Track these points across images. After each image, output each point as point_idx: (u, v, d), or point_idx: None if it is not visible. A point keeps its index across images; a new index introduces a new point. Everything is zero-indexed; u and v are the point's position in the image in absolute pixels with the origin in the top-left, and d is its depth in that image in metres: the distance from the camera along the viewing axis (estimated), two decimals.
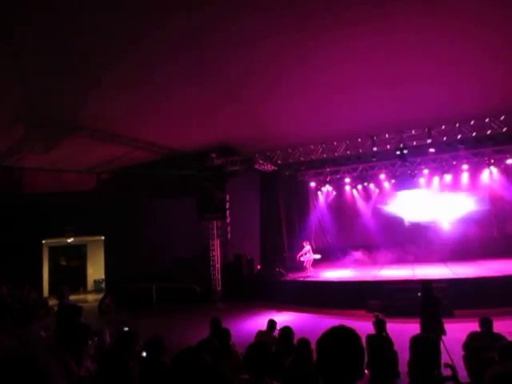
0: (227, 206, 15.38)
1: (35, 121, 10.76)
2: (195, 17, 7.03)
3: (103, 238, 19.11)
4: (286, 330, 5.27)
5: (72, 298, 17.57)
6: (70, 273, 19.85)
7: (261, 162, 15.20)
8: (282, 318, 9.87)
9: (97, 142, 12.65)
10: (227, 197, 15.38)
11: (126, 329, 4.32)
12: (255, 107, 11.54)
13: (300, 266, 16.87)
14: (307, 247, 15.20)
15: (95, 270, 20.39)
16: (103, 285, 19.28)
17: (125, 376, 2.48)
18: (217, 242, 15.60)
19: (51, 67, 8.20)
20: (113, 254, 17.70)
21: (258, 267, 16.59)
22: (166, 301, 14.61)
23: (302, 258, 15.37)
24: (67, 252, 20.52)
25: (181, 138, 13.94)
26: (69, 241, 19.37)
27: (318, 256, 15.59)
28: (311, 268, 15.23)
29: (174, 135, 13.69)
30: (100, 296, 15.74)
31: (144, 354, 3.68)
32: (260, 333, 6.38)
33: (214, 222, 15.63)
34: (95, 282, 20.29)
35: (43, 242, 18.32)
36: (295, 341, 3.99)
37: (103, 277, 19.43)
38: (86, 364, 3.54)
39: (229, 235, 16.49)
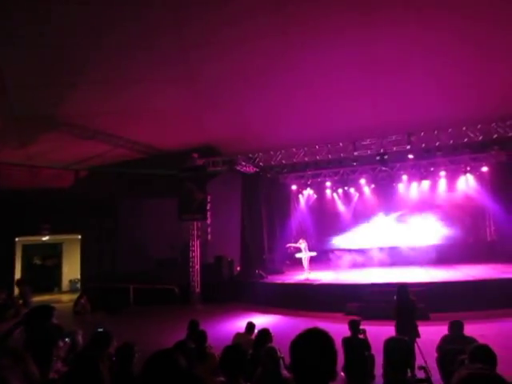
0: (208, 207, 15.28)
1: (11, 114, 10.46)
2: (181, 17, 6.97)
3: (80, 236, 18.71)
4: (264, 333, 5.25)
5: (46, 298, 17.19)
6: (45, 272, 19.37)
7: (243, 163, 15.18)
8: (261, 321, 9.84)
9: (76, 138, 12.39)
10: (208, 197, 15.28)
11: (101, 330, 4.21)
12: (239, 109, 11.52)
13: (280, 269, 16.93)
14: (303, 244, 14.81)
15: (71, 270, 19.94)
16: (79, 285, 18.86)
17: (94, 379, 2.40)
18: (197, 243, 15.47)
19: (28, 60, 7.99)
20: (89, 253, 17.35)
21: (238, 269, 16.55)
22: (143, 302, 14.40)
23: (297, 255, 15.15)
24: (42, 250, 20.00)
25: (163, 137, 13.79)
26: (44, 239, 18.88)
27: (314, 253, 15.25)
28: (308, 267, 14.81)
29: (156, 134, 13.53)
30: (75, 296, 15.38)
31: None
32: (238, 335, 6.34)
33: (195, 223, 15.50)
34: (71, 281, 19.84)
35: (16, 239, 17.78)
36: (264, 349, 3.97)
37: (79, 276, 19.01)
38: (56, 366, 3.43)
39: (209, 236, 16.40)
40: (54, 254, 20.42)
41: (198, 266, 15.32)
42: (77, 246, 19.12)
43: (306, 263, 14.76)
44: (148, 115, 11.64)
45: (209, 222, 15.81)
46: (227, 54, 8.44)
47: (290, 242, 19.29)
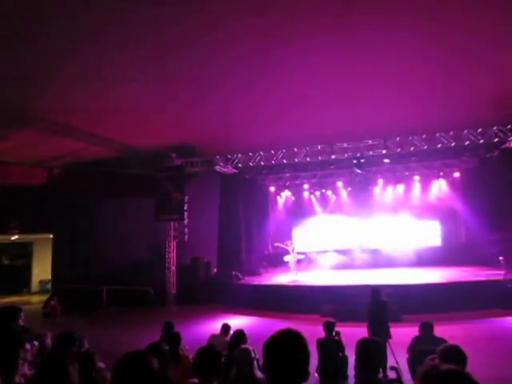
0: (185, 208, 15.14)
1: None
2: (160, 16, 6.88)
3: (52, 236, 18.17)
4: (239, 334, 5.23)
5: (14, 299, 16.61)
6: (13, 272, 18.72)
7: (221, 164, 15.13)
8: (237, 322, 9.80)
9: (50, 134, 12.04)
10: (186, 198, 15.14)
11: (69, 331, 4.09)
12: (218, 109, 11.48)
13: (256, 270, 16.94)
14: (290, 247, 14.83)
15: (41, 270, 19.36)
16: (49, 286, 18.32)
17: (62, 382, 2.33)
18: (173, 244, 15.29)
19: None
20: (62, 253, 16.89)
21: (215, 270, 16.45)
22: (117, 303, 14.11)
23: (285, 258, 15.13)
24: (10, 250, 19.33)
25: (140, 136, 13.58)
26: (13, 238, 18.25)
27: (301, 256, 15.27)
28: (296, 269, 14.79)
29: (134, 133, 13.31)
30: (45, 298, 14.94)
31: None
32: (213, 336, 6.29)
33: (172, 223, 15.32)
34: (41, 282, 19.27)
35: None
36: (239, 350, 3.95)
37: (50, 277, 18.47)
38: (23, 370, 3.31)
39: (186, 237, 16.24)
40: (24, 253, 19.78)
41: (174, 267, 15.15)
42: (48, 246, 18.58)
43: (292, 265, 14.78)
44: (125, 113, 11.44)
45: (186, 222, 15.66)
46: (206, 54, 8.39)
47: (268, 244, 19.40)
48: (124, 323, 11.67)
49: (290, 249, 14.80)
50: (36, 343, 4.90)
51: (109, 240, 16.16)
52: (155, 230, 15.61)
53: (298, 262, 15.08)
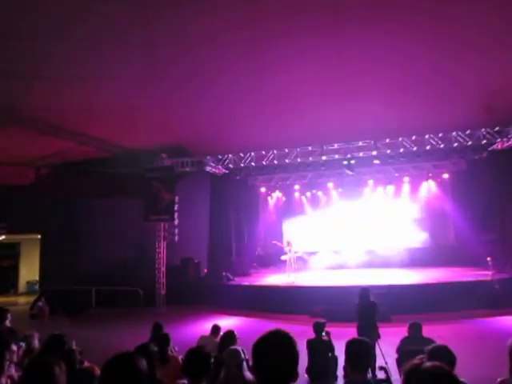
0: (176, 208, 15.06)
1: None
2: (151, 16, 6.84)
3: (40, 236, 17.94)
4: (229, 335, 5.22)
5: (1, 300, 16.35)
6: (0, 273, 18.43)
7: (212, 164, 15.08)
8: (227, 323, 9.78)
9: (38, 134, 11.87)
10: (176, 198, 15.06)
11: (57, 332, 4.04)
12: (209, 110, 11.44)
13: (247, 271, 16.93)
14: (287, 248, 14.74)
15: (29, 271, 19.10)
16: (37, 286, 18.07)
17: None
18: (163, 245, 15.19)
19: None
20: (50, 253, 16.67)
21: (205, 271, 16.39)
22: (106, 304, 13.98)
23: (282, 257, 15.11)
24: None
25: (130, 135, 13.49)
26: (0, 238, 17.98)
27: (299, 253, 15.23)
28: (295, 269, 14.62)
29: (123, 133, 13.21)
30: (33, 298, 14.74)
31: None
32: (202, 337, 6.27)
33: (162, 224, 15.22)
34: (28, 283, 19.00)
35: None
36: (228, 351, 3.95)
37: (37, 278, 18.22)
38: (9, 372, 3.26)
39: (176, 238, 16.14)
40: (11, 254, 19.50)
41: (163, 268, 15.05)
42: (36, 247, 18.33)
43: (291, 266, 14.68)
44: (115, 113, 11.35)
45: (176, 223, 15.57)
46: (197, 54, 8.35)
47: (258, 245, 19.39)
48: (113, 324, 11.56)
49: (287, 249, 14.79)
50: (23, 345, 4.84)
51: (98, 240, 16.00)
52: (145, 230, 15.51)
53: (296, 261, 15.01)
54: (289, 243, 14.98)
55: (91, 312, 13.73)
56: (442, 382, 1.57)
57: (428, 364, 1.64)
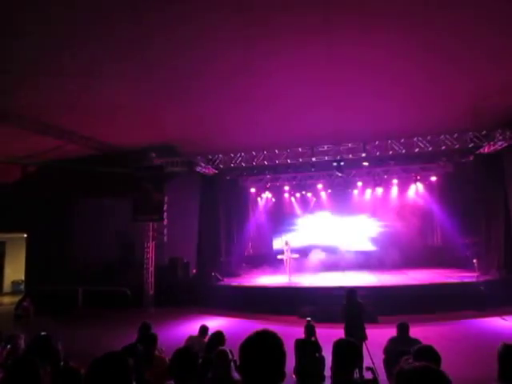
0: (165, 208, 14.97)
1: None
2: (141, 13, 6.78)
3: (26, 235, 17.66)
4: (217, 336, 5.20)
5: None
6: None
7: (202, 164, 15.03)
8: (216, 324, 9.75)
9: (24, 132, 11.68)
10: (165, 198, 14.97)
11: (43, 333, 3.98)
12: (200, 110, 11.39)
13: (236, 271, 16.90)
14: (286, 247, 14.77)
15: (14, 270, 18.78)
16: (22, 286, 17.78)
17: None
18: (152, 245, 15.08)
19: None
20: (36, 253, 16.39)
21: (194, 271, 16.32)
22: (93, 305, 13.81)
23: (279, 256, 15.17)
24: None
25: (119, 134, 13.35)
26: None
27: (296, 255, 15.22)
28: (291, 271, 14.72)
29: (112, 131, 13.08)
30: (18, 298, 14.51)
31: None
32: (190, 338, 6.24)
33: (151, 224, 15.11)
34: (13, 283, 18.70)
35: None
36: (216, 351, 3.93)
37: (23, 278, 17.92)
38: None
39: (165, 238, 16.05)
40: None
41: (152, 268, 14.94)
42: (22, 246, 18.03)
43: (287, 266, 14.75)
44: (104, 111, 11.23)
45: (165, 223, 15.48)
46: (188, 53, 8.32)
47: (248, 245, 19.40)
48: (100, 325, 11.43)
49: (285, 248, 14.79)
50: (8, 346, 4.76)
51: (85, 240, 15.79)
52: (133, 230, 15.37)
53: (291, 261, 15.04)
54: (287, 243, 15.02)
55: (78, 312, 13.55)
56: (432, 380, 1.59)
57: (418, 363, 1.67)
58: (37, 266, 16.04)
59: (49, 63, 8.49)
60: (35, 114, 11.11)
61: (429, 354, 3.25)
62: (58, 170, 15.19)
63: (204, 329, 6.37)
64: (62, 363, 3.47)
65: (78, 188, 15.55)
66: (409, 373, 1.61)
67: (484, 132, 12.43)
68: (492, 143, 12.53)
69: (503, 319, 10.15)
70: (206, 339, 5.88)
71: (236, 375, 3.59)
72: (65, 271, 15.09)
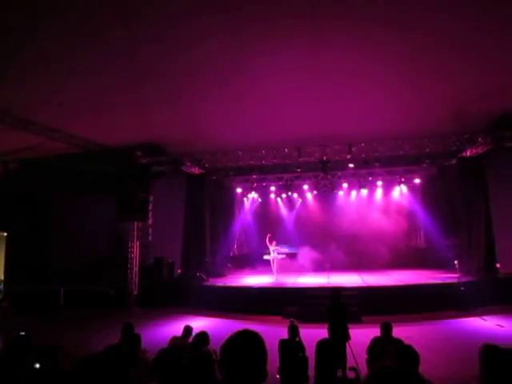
0: (150, 207, 14.83)
1: None
2: (128, 11, 6.70)
3: (6, 234, 17.26)
4: (201, 336, 5.17)
5: None
6: None
7: (188, 164, 14.94)
8: (201, 324, 9.71)
9: (5, 128, 11.43)
10: (151, 198, 14.83)
11: (22, 333, 3.89)
12: (187, 109, 11.32)
13: (221, 272, 16.86)
14: (272, 247, 14.77)
15: None
16: (1, 286, 17.36)
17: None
18: (136, 244, 14.92)
19: None
20: (17, 252, 16.04)
21: (179, 271, 16.21)
22: (76, 305, 13.57)
23: (265, 257, 15.18)
24: None
25: (104, 132, 13.15)
26: None
27: (282, 256, 15.28)
28: (277, 271, 14.84)
29: (97, 129, 12.87)
30: None
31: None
32: (174, 339, 6.18)
33: (135, 223, 14.95)
34: None
35: None
36: (200, 352, 3.92)
37: (2, 277, 17.51)
38: None
39: (150, 237, 15.92)
40: None
41: (136, 268, 14.79)
42: (2, 245, 17.62)
43: (274, 265, 14.82)
44: (88, 108, 11.05)
45: (150, 222, 15.33)
46: (175, 53, 8.25)
47: (234, 245, 19.38)
48: (82, 325, 11.25)
49: (271, 248, 14.83)
50: None
51: (70, 239, 15.53)
52: (118, 229, 15.20)
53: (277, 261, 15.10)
54: (272, 242, 15.00)
55: (59, 313, 13.31)
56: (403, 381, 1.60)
57: (387, 366, 1.66)
58: (17, 265, 15.69)
59: (33, 60, 8.32)
60: (16, 111, 10.87)
61: (408, 353, 3.33)
62: (40, 168, 14.92)
63: (188, 329, 6.33)
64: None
65: (62, 186, 15.30)
66: (373, 376, 1.61)
67: (466, 136, 12.67)
68: (474, 147, 12.79)
69: (483, 319, 10.38)
70: (190, 340, 5.85)
71: (220, 376, 3.58)
72: (46, 271, 14.82)
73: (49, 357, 3.15)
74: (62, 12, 6.68)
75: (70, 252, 15.15)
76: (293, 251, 18.23)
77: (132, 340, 4.70)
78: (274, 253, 14.76)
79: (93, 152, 14.49)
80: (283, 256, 15.41)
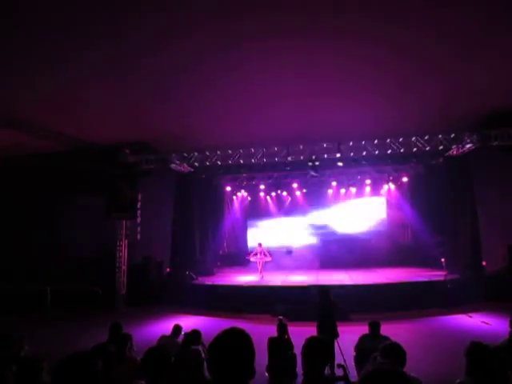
0: (138, 206, 14.69)
1: None
2: (116, 8, 6.63)
3: None
4: (191, 335, 5.16)
5: None
6: None
7: (177, 162, 14.83)
8: (190, 323, 9.67)
9: None
10: (139, 196, 14.70)
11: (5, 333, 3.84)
12: (176, 107, 11.27)
13: (211, 270, 16.82)
14: (259, 248, 15.02)
15: None
16: None
17: None
18: (124, 243, 14.77)
19: None
20: (1, 251, 15.78)
21: (168, 270, 16.12)
22: (63, 304, 13.40)
23: (252, 259, 15.28)
24: None
25: (91, 130, 13.03)
26: None
27: (268, 258, 15.37)
28: (262, 271, 15.08)
29: (84, 127, 12.75)
30: None
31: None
32: (163, 337, 6.15)
33: (123, 222, 14.80)
34: None
35: None
36: (189, 351, 3.91)
37: None
38: None
39: (138, 236, 15.78)
40: None
41: (124, 267, 14.66)
42: None
43: (260, 266, 15.07)
44: (75, 106, 10.91)
45: (138, 221, 15.20)
46: (164, 51, 8.19)
47: (223, 244, 19.37)
48: (69, 325, 11.12)
49: (258, 250, 15.01)
50: None
51: (55, 237, 15.33)
52: (106, 228, 15.02)
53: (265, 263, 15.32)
54: (260, 245, 15.23)
55: (46, 312, 13.13)
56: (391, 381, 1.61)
57: (378, 366, 1.68)
58: (1, 264, 15.44)
59: (19, 58, 8.19)
60: (3, 109, 10.70)
61: (394, 350, 3.37)
62: (26, 166, 14.69)
63: (177, 328, 6.29)
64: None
65: (48, 184, 15.08)
66: (365, 377, 1.63)
67: (453, 135, 12.82)
68: (460, 146, 12.94)
69: (469, 316, 10.54)
70: (180, 338, 5.82)
71: (208, 374, 3.57)
72: (33, 270, 14.60)
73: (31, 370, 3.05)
74: (50, 14, 6.59)
75: (58, 251, 14.95)
76: (290, 249, 18.41)
77: (119, 339, 4.66)
78: (261, 255, 15.02)
79: (80, 151, 14.32)
80: (269, 259, 15.52)
